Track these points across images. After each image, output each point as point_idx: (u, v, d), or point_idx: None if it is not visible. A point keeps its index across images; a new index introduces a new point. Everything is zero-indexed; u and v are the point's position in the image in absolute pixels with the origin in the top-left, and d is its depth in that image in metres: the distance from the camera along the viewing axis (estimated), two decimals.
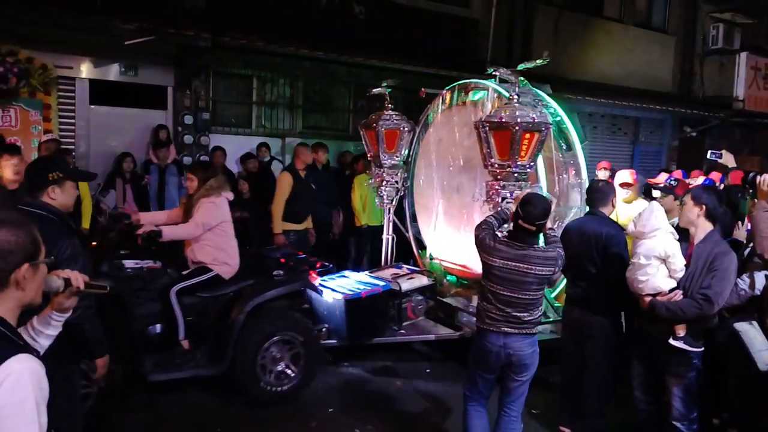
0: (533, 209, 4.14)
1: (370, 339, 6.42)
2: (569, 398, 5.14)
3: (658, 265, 4.28)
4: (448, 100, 7.61)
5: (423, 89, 7.76)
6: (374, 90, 7.65)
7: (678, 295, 4.22)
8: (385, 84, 7.47)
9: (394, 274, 7.11)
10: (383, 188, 7.56)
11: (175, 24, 8.69)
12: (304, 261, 6.42)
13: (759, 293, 4.47)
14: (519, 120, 5.35)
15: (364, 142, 7.69)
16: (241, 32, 9.32)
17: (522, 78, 6.03)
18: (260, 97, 10.95)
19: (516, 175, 5.55)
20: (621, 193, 6.56)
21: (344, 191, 9.19)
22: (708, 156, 7.32)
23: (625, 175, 6.99)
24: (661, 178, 8.06)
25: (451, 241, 7.38)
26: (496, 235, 4.34)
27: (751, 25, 16.82)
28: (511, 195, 5.44)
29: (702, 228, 4.30)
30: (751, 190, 4.72)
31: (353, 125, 11.76)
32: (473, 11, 12.93)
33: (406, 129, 7.42)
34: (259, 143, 10.06)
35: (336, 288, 6.34)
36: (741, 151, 16.78)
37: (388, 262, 7.74)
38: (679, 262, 4.27)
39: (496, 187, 5.62)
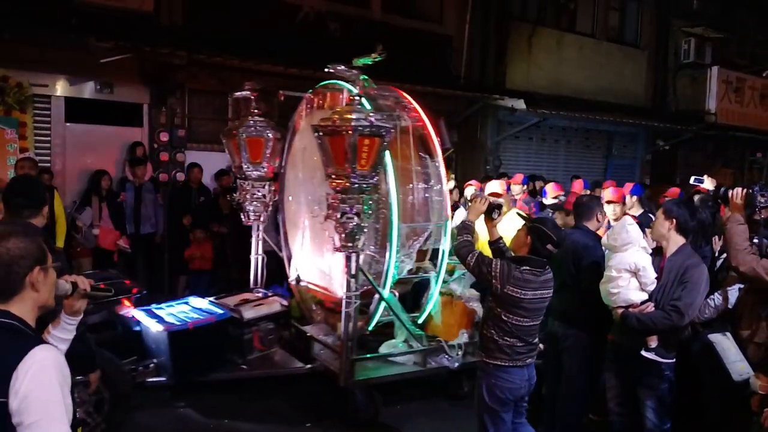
0: (556, 231, 4.04)
1: (201, 376, 5.70)
2: (551, 409, 5.14)
3: (629, 278, 4.34)
4: (314, 104, 6.79)
5: (281, 92, 6.97)
6: (237, 93, 6.90)
7: (650, 307, 4.26)
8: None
9: (243, 299, 6.43)
10: (248, 203, 6.81)
11: (150, 42, 8.69)
12: (121, 287, 5.65)
13: (731, 306, 4.57)
14: (354, 124, 4.79)
15: (227, 152, 6.97)
16: (216, 49, 9.33)
17: (365, 76, 5.48)
18: (235, 113, 10.89)
19: (357, 185, 4.96)
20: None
21: None
22: (691, 182, 7.40)
23: (494, 186, 6.57)
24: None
25: (316, 261, 6.59)
26: (515, 265, 3.97)
27: (721, 40, 17.15)
28: (351, 210, 4.97)
29: (674, 241, 4.35)
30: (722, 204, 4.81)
31: None
32: (447, 28, 13.03)
33: (271, 136, 6.66)
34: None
35: (165, 317, 5.70)
36: (714, 165, 17.06)
37: (258, 285, 7.12)
38: (650, 275, 4.32)
39: (336, 200, 5.04)
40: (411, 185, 5.86)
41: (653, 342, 4.26)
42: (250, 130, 6.63)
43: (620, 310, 4.36)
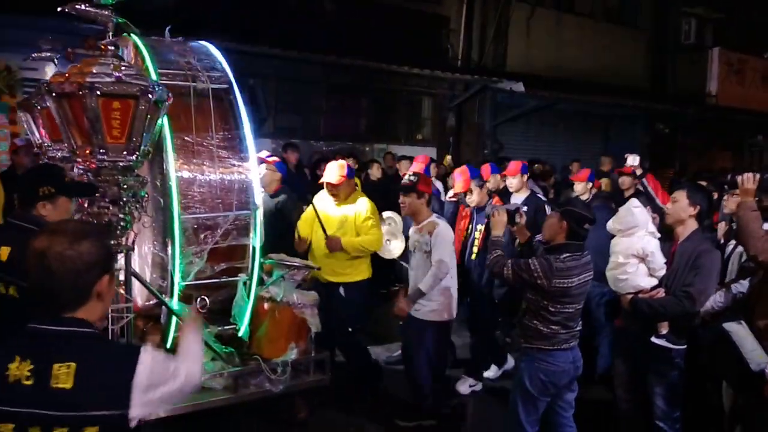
0: (588, 210, 4.00)
1: None
2: None
3: (637, 264, 4.22)
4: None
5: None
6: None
7: (660, 293, 4.14)
8: None
9: None
10: None
11: (143, 24, 8.47)
12: None
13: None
14: (91, 80, 3.43)
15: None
16: (211, 32, 9.13)
17: (123, 19, 4.00)
18: None
19: (109, 164, 3.59)
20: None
21: None
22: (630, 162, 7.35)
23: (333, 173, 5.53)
24: (632, 162, 8.05)
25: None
26: (554, 256, 3.87)
27: (723, 20, 16.96)
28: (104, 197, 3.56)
29: (688, 226, 4.22)
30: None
31: (324, 126, 11.66)
32: (444, 8, 12.86)
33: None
34: None
35: None
36: (713, 147, 16.94)
37: None
38: (659, 261, 4.20)
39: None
40: (205, 165, 4.50)
41: (664, 328, 4.14)
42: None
43: (629, 296, 4.23)
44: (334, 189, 5.44)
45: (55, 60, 4.53)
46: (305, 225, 5.63)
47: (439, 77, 12.16)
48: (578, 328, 4.03)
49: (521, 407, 4.05)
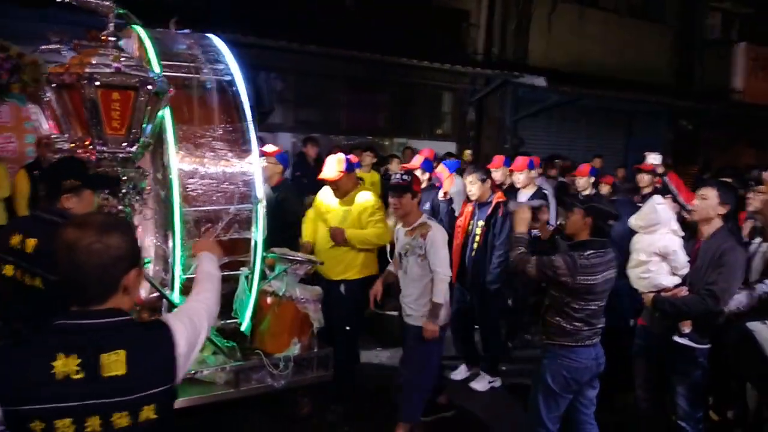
0: (611, 205, 3.95)
1: None
2: None
3: (659, 262, 4.15)
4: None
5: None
6: None
7: (683, 291, 4.08)
8: None
9: None
10: None
11: (165, 19, 8.49)
12: None
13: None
14: (90, 71, 3.43)
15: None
16: (232, 26, 9.13)
17: (124, 10, 4.03)
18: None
19: (108, 156, 3.62)
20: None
21: None
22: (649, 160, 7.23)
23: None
24: (652, 160, 7.93)
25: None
26: (578, 253, 3.82)
27: (750, 15, 16.67)
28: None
29: (714, 224, 4.16)
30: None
31: (345, 119, 11.62)
32: (465, 2, 12.77)
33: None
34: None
35: None
36: (737, 143, 16.69)
37: None
38: (681, 259, 4.13)
39: None
40: (207, 157, 4.47)
41: (687, 327, 4.08)
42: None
43: (651, 295, 4.16)
44: (332, 185, 5.31)
45: (64, 52, 4.37)
46: (309, 225, 5.55)
47: (460, 72, 12.09)
48: (601, 325, 3.97)
49: (542, 404, 4.00)
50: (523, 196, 6.78)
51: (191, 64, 4.49)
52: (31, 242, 3.06)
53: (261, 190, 4.55)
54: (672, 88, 15.88)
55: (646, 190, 7.11)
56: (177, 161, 4.24)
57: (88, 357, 1.81)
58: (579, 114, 14.78)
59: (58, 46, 4.42)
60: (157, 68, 4.14)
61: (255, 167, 4.55)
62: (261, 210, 4.54)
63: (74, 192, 3.25)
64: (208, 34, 4.98)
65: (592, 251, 3.79)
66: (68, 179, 3.26)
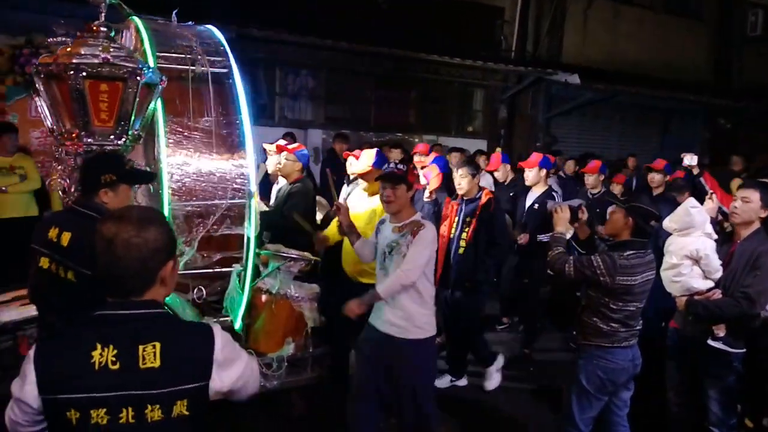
0: (654, 205, 3.85)
1: None
2: None
3: (691, 265, 4.07)
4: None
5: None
6: None
7: (717, 294, 3.99)
8: None
9: (13, 297, 4.85)
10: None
11: (197, 16, 8.54)
12: None
13: None
14: (77, 61, 3.36)
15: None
16: (264, 23, 9.17)
17: (116, 1, 4.00)
18: (283, 88, 10.86)
19: (96, 148, 3.57)
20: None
21: None
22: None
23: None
24: (688, 161, 7.74)
25: None
26: (618, 253, 3.74)
27: None
28: None
29: (751, 227, 4.07)
30: None
31: (375, 116, 11.60)
32: None
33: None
34: (284, 133, 9.90)
35: None
36: None
37: None
38: (713, 263, 4.04)
39: (69, 167, 3.64)
40: (200, 150, 4.33)
41: (721, 331, 3.99)
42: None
43: (684, 298, 4.08)
44: (362, 177, 5.08)
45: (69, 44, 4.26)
46: (334, 227, 5.15)
47: (492, 68, 12.00)
48: (638, 327, 3.89)
49: (576, 404, 3.94)
50: (532, 195, 6.54)
51: (187, 56, 4.39)
52: (67, 236, 3.08)
53: (254, 185, 4.47)
54: (710, 85, 15.58)
55: (658, 190, 6.96)
56: (167, 154, 4.16)
57: (125, 348, 1.84)
58: (613, 111, 14.59)
59: (65, 39, 4.17)
60: (151, 59, 4.10)
61: (249, 161, 4.45)
62: (254, 205, 4.46)
63: (111, 186, 3.25)
64: (209, 26, 4.92)
65: (632, 252, 3.72)
66: (106, 174, 3.25)
